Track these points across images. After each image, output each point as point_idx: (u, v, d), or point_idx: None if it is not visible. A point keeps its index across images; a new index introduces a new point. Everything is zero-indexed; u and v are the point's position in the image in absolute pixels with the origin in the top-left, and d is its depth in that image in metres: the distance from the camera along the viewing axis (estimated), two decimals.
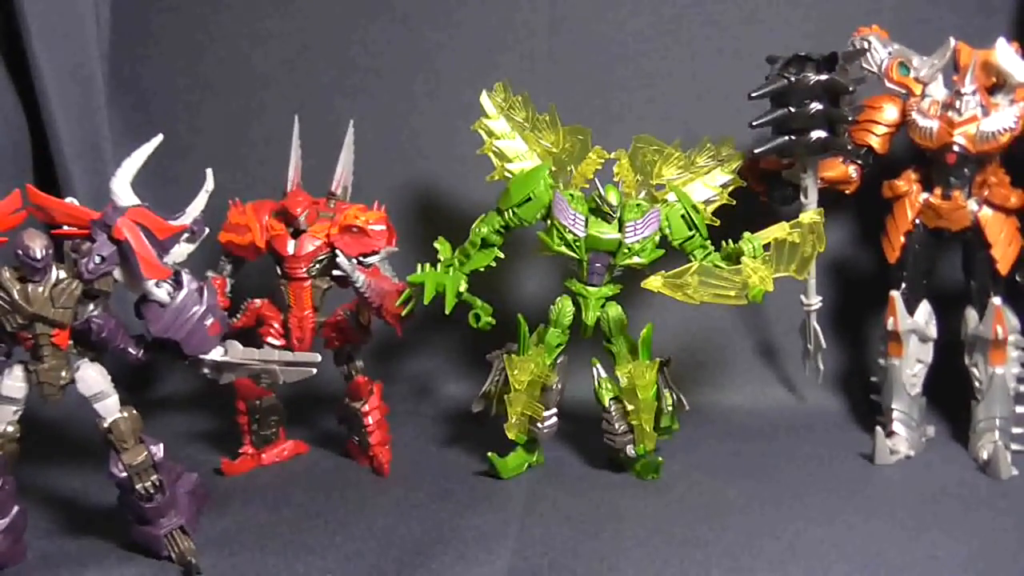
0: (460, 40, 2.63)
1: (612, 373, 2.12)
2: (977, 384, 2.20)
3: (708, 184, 2.11)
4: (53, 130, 2.55)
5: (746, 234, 1.99)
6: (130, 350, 1.79)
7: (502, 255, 2.09)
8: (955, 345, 2.25)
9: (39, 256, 1.62)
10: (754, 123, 2.04)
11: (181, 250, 1.75)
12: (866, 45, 2.19)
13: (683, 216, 2.04)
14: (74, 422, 2.26)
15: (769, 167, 2.20)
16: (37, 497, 2.01)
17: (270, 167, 2.30)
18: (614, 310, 2.09)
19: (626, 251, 2.02)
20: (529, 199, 2.03)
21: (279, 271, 2.13)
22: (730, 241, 2.01)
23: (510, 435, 2.09)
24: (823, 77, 1.99)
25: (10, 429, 1.72)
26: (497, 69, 2.48)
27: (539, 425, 2.10)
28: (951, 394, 2.30)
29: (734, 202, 2.11)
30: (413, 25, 2.63)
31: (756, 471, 2.15)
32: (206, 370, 1.82)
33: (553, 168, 2.08)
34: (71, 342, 1.72)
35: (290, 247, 2.09)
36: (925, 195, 2.18)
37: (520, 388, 2.06)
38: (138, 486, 1.73)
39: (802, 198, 2.18)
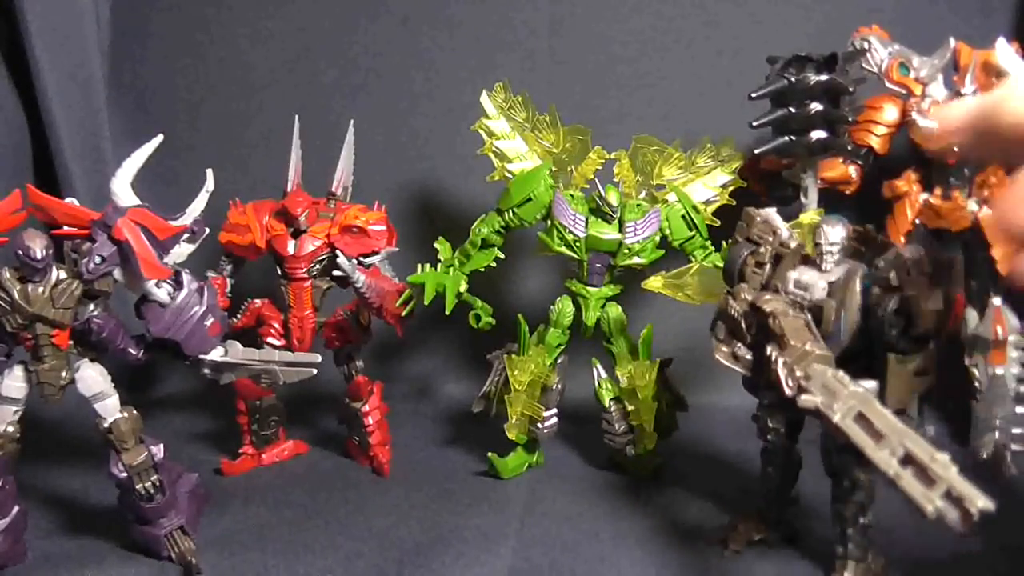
0: (460, 40, 2.63)
1: (612, 373, 2.12)
2: (977, 384, 2.20)
3: (708, 184, 2.11)
4: (53, 130, 2.55)
5: None
6: (130, 350, 1.79)
7: (502, 255, 2.09)
8: (955, 345, 2.25)
9: (39, 256, 1.62)
10: (754, 123, 2.04)
11: (181, 250, 1.75)
12: (866, 45, 2.19)
13: (683, 216, 2.04)
14: (74, 422, 2.26)
15: (769, 167, 2.20)
16: (37, 497, 2.01)
17: (270, 167, 2.31)
18: (614, 310, 2.09)
19: (626, 251, 2.02)
20: (529, 199, 2.03)
21: (279, 271, 2.13)
22: (730, 241, 2.01)
23: (510, 435, 2.09)
24: (823, 78, 2.00)
25: (10, 429, 1.72)
26: (497, 69, 2.49)
27: (539, 425, 2.11)
28: (951, 394, 2.30)
29: (734, 202, 2.11)
30: (413, 25, 2.63)
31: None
32: (206, 370, 1.82)
33: (553, 168, 2.08)
34: (71, 342, 1.72)
35: (290, 247, 2.09)
36: (925, 195, 2.18)
37: (520, 388, 2.06)
38: (138, 486, 1.73)
39: (802, 198, 2.18)
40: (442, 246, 2.11)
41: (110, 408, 1.73)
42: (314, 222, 2.10)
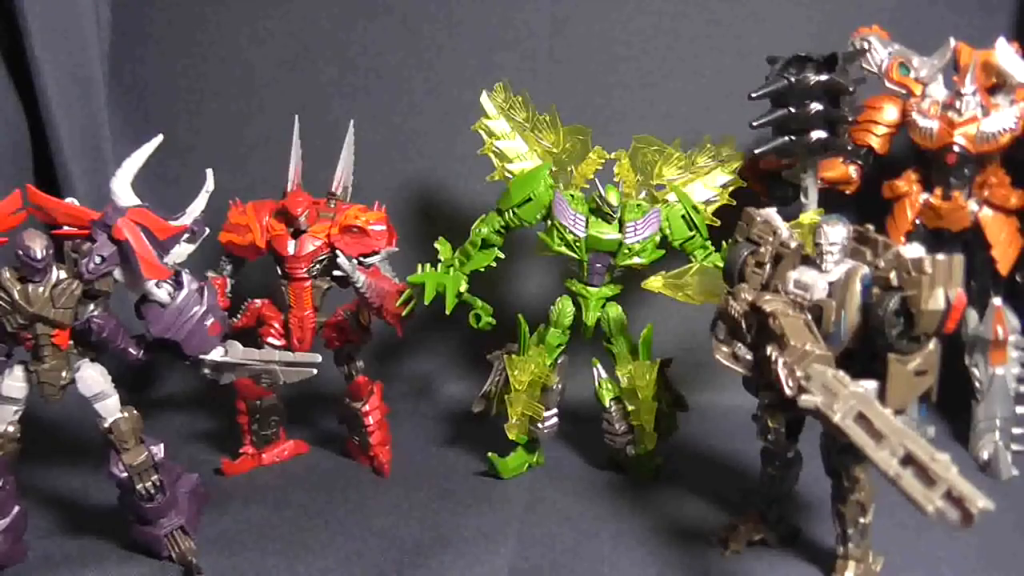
0: (460, 40, 2.62)
1: (613, 373, 2.12)
2: (977, 384, 2.20)
3: (708, 184, 2.11)
4: (53, 130, 2.55)
5: None
6: (130, 350, 1.79)
7: (502, 255, 2.09)
8: (955, 345, 2.25)
9: (39, 256, 1.62)
10: (754, 123, 2.04)
11: (181, 250, 1.75)
12: (866, 45, 2.19)
13: (683, 216, 2.04)
14: (74, 422, 2.26)
15: (769, 167, 2.20)
16: (37, 497, 2.01)
17: (270, 167, 2.30)
18: (614, 310, 2.09)
19: (626, 251, 2.02)
20: (529, 199, 2.03)
21: (279, 271, 2.13)
22: (730, 241, 2.01)
23: (510, 435, 2.09)
24: (823, 77, 1.99)
25: (10, 429, 1.72)
26: (497, 69, 2.48)
27: (539, 425, 2.10)
28: (951, 394, 2.29)
29: (734, 202, 2.11)
30: (413, 25, 2.63)
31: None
32: (206, 370, 1.82)
33: (553, 168, 2.08)
34: (71, 342, 1.72)
35: (290, 247, 2.09)
36: (925, 196, 2.18)
37: (520, 388, 2.06)
38: (139, 486, 1.73)
39: (802, 198, 2.18)
40: (442, 246, 2.11)
41: (110, 408, 1.73)
42: (314, 222, 2.10)
